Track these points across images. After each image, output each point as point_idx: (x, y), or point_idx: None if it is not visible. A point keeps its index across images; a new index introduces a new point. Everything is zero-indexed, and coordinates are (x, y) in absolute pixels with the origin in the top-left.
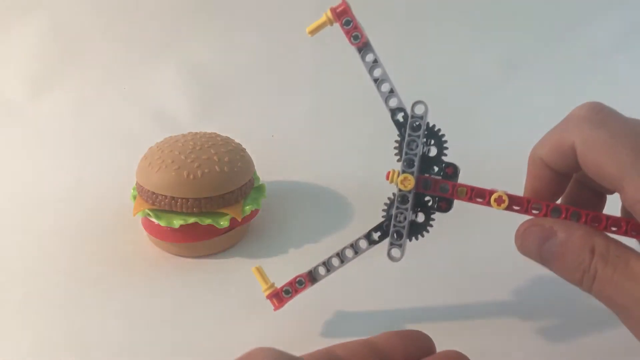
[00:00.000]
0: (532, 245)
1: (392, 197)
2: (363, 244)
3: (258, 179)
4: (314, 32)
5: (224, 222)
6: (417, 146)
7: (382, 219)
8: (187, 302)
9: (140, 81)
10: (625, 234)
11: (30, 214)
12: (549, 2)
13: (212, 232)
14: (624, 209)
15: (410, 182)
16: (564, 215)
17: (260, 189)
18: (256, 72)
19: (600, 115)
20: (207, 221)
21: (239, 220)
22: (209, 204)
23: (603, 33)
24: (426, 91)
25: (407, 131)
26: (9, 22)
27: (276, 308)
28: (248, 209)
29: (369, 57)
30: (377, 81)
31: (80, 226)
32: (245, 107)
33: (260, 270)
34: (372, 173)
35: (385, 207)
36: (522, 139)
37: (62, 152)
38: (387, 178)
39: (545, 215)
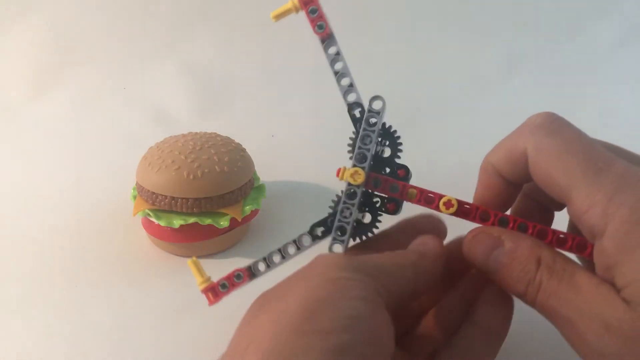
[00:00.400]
0: (479, 253)
1: (341, 194)
2: (306, 240)
3: (258, 179)
4: (278, 17)
5: (224, 222)
6: (370, 141)
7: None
8: (187, 301)
9: (140, 81)
10: (570, 250)
11: (30, 213)
12: (549, 3)
13: (212, 232)
14: (570, 225)
15: (361, 176)
16: (511, 226)
17: (260, 189)
18: (256, 72)
19: (554, 125)
20: (207, 221)
21: (239, 220)
22: (209, 204)
23: (603, 34)
24: (426, 91)
25: (362, 125)
26: (9, 22)
27: (211, 303)
28: (248, 209)
29: (332, 50)
30: (338, 74)
31: (80, 226)
32: (245, 107)
33: (196, 263)
34: None
35: (333, 204)
36: None
37: (62, 152)
38: (337, 175)
39: (493, 224)
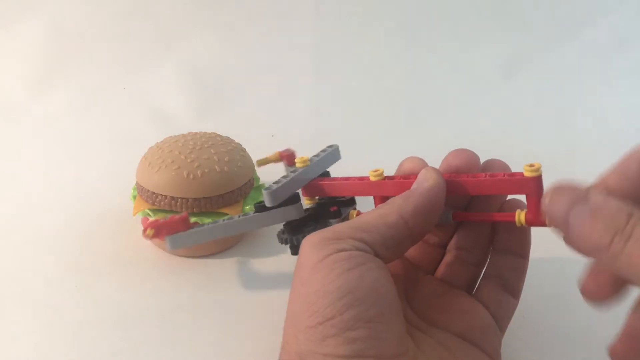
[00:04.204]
0: (561, 205)
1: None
2: (251, 212)
3: (258, 179)
4: (261, 164)
5: None
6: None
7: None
8: (187, 301)
9: (140, 81)
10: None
11: (29, 213)
12: (548, 3)
13: None
14: None
15: (304, 161)
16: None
17: (260, 189)
18: (256, 72)
19: None
20: (207, 221)
21: None
22: (209, 204)
23: (603, 34)
24: (425, 90)
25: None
26: (9, 22)
27: (145, 228)
28: (248, 209)
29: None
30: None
31: (79, 226)
32: (245, 107)
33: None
34: None
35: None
36: (521, 140)
37: (62, 152)
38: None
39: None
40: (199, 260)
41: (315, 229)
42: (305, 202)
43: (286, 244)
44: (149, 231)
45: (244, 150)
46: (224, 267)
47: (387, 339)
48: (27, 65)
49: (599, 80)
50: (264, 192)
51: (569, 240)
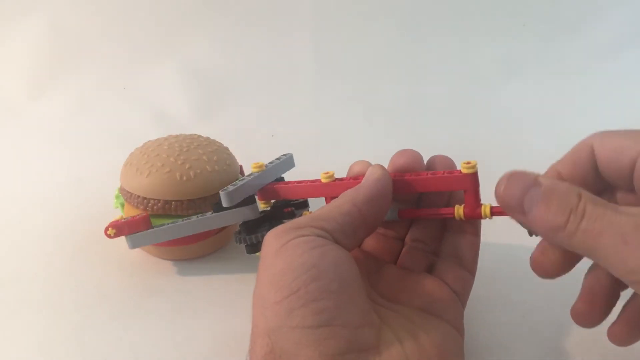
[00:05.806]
0: (516, 190)
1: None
2: (209, 213)
3: (240, 178)
4: None
5: None
6: (244, 180)
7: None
8: (184, 302)
9: (140, 81)
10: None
11: (27, 214)
12: (549, 3)
13: (208, 232)
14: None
15: (259, 167)
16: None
17: None
18: (256, 72)
19: None
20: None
21: None
22: (204, 204)
23: (603, 34)
24: (427, 89)
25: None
26: (9, 22)
27: (107, 228)
28: None
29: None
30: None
31: (78, 227)
32: (245, 107)
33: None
34: None
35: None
36: (521, 139)
37: (61, 152)
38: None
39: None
40: (193, 262)
41: (270, 229)
42: (261, 206)
43: (242, 243)
44: (110, 231)
45: (227, 149)
46: (220, 266)
47: (352, 310)
48: (28, 65)
49: (600, 80)
50: (221, 192)
51: (526, 224)
